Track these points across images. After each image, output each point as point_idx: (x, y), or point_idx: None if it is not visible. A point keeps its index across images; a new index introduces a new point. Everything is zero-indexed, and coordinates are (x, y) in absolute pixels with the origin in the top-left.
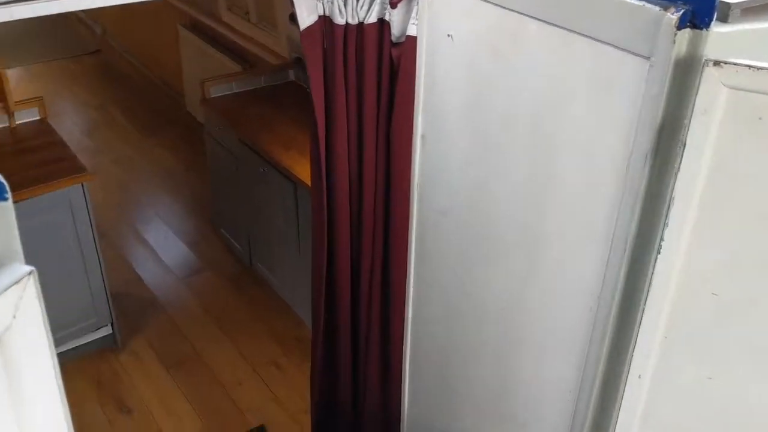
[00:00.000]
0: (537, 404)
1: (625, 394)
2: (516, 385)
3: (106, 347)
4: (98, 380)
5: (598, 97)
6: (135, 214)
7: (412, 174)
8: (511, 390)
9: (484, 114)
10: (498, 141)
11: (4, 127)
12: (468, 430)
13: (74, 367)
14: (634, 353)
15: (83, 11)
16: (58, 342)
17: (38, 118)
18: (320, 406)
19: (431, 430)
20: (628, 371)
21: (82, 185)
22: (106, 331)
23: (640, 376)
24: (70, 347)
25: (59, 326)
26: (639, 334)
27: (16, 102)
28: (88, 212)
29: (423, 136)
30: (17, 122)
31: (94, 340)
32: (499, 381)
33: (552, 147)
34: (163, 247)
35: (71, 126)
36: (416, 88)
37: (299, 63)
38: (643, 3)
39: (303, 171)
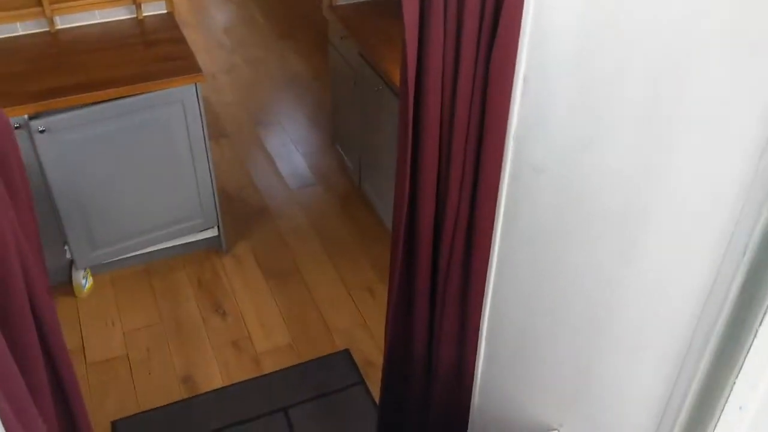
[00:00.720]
0: (615, 412)
1: (719, 424)
2: (594, 382)
3: (212, 248)
4: (199, 279)
5: (736, 58)
6: (259, 117)
7: (509, 121)
8: (589, 386)
9: (598, 59)
10: (610, 93)
11: (131, 18)
12: (545, 415)
13: (179, 263)
14: (738, 380)
15: None
16: (167, 236)
17: (165, 11)
18: (392, 357)
19: (505, 396)
20: (728, 400)
21: (195, 86)
22: (213, 233)
23: (741, 408)
24: (179, 243)
25: (169, 222)
26: (747, 359)
27: None
28: (200, 113)
29: (526, 78)
30: (144, 14)
31: (201, 240)
32: (576, 372)
33: (672, 110)
34: (280, 154)
35: (212, 21)
36: (523, 19)
37: None
38: None
39: None
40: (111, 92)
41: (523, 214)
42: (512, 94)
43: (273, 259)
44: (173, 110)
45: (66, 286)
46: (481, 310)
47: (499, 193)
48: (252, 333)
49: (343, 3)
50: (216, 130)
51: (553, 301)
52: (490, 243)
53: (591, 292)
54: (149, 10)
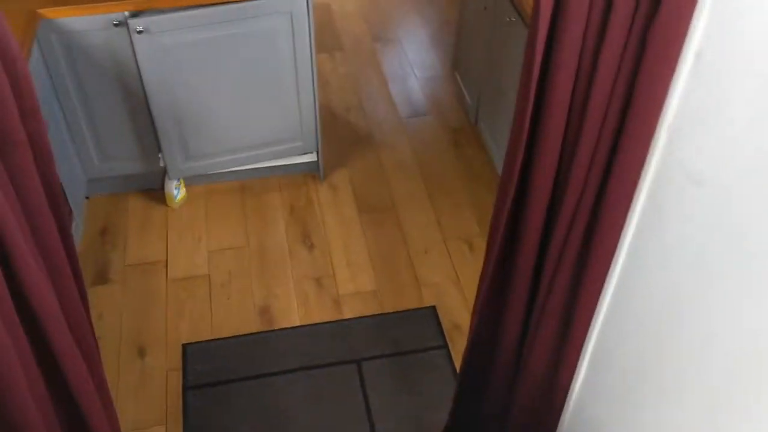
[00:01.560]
0: None
1: None
2: None
3: (309, 173)
4: (292, 205)
5: None
6: (379, 32)
7: (664, 107)
8: None
9: None
10: None
11: None
12: None
13: (275, 184)
14: None
15: None
16: (263, 157)
17: None
18: (476, 346)
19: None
20: None
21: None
22: (311, 158)
23: None
24: (276, 164)
25: (266, 141)
26: None
27: None
28: (309, 27)
29: (698, 54)
30: None
31: (299, 163)
32: None
33: None
34: (395, 76)
35: None
36: None
37: None
38: None
39: None
40: None
41: (664, 233)
42: (675, 72)
43: (370, 192)
44: (280, 20)
45: (159, 194)
46: (587, 331)
47: (634, 199)
48: (336, 272)
49: None
50: (332, 42)
51: (688, 346)
52: (612, 258)
53: (735, 362)
54: None
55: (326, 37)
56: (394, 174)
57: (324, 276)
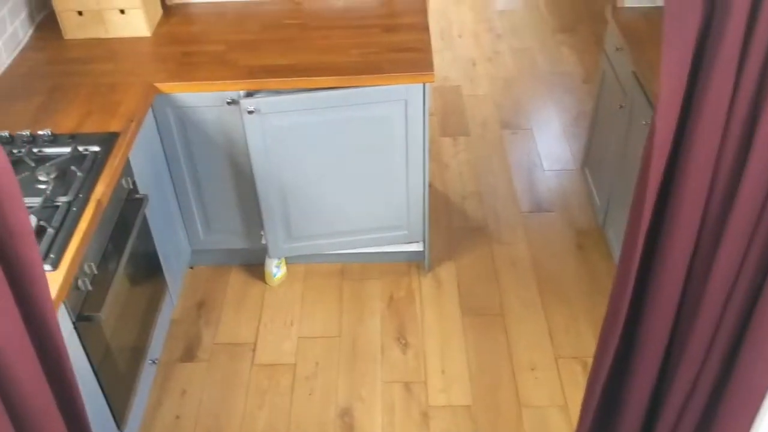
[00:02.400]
0: None
1: None
2: None
3: (414, 262)
4: (391, 295)
5: None
6: (509, 118)
7: None
8: None
9: None
10: None
11: None
12: None
13: (376, 271)
14: None
15: None
16: (366, 242)
17: None
18: None
19: None
20: None
21: (423, 86)
22: (418, 247)
23: None
24: (380, 250)
25: (371, 227)
26: None
27: None
28: (424, 115)
29: None
30: None
31: (404, 252)
32: None
33: None
34: (520, 165)
35: (488, 1)
36: None
37: None
38: None
39: None
40: (331, 80)
41: None
42: None
43: (477, 291)
44: (394, 108)
45: (260, 270)
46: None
47: None
48: (429, 378)
49: (632, 5)
50: (457, 125)
51: None
52: (762, 398)
53: None
54: None
55: (452, 120)
56: (506, 273)
57: (415, 381)
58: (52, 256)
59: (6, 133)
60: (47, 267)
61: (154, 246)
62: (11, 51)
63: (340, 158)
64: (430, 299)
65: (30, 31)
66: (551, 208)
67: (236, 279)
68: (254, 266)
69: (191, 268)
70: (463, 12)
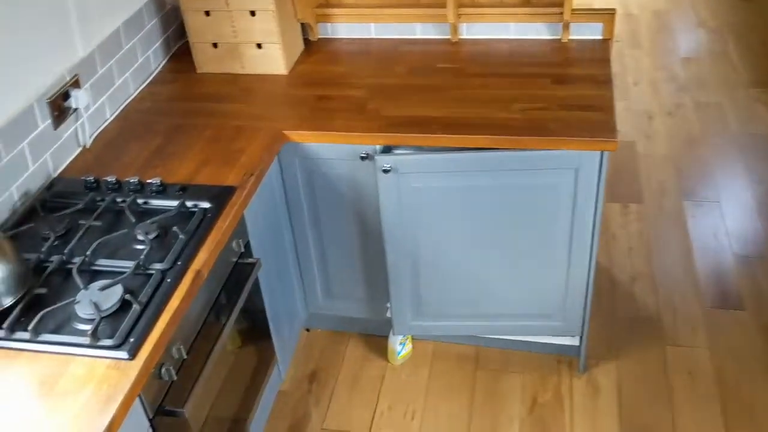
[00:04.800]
0: None
1: None
2: None
3: (564, 357)
4: (534, 398)
5: None
6: (691, 185)
7: None
8: None
9: None
10: None
11: (552, 40)
12: None
13: (518, 363)
14: None
15: None
16: (512, 330)
17: (599, 38)
18: None
19: None
20: None
21: (601, 154)
22: (572, 341)
23: None
24: (530, 339)
25: (517, 313)
26: None
27: (574, 10)
28: (597, 190)
29: None
30: (571, 37)
31: (554, 344)
32: None
33: None
34: (703, 246)
35: (671, 46)
36: None
37: None
38: None
39: None
40: (485, 140)
41: None
42: None
43: (642, 405)
44: (561, 177)
45: (382, 343)
46: None
47: None
48: None
49: None
50: (629, 189)
51: None
52: None
53: None
54: (579, 33)
55: (623, 182)
56: (681, 386)
57: None
58: (131, 340)
59: (113, 179)
60: (123, 355)
61: (263, 311)
62: (140, 83)
63: (488, 230)
64: (582, 409)
65: (163, 62)
66: (742, 305)
67: (354, 350)
68: (376, 338)
69: (307, 330)
70: (640, 57)
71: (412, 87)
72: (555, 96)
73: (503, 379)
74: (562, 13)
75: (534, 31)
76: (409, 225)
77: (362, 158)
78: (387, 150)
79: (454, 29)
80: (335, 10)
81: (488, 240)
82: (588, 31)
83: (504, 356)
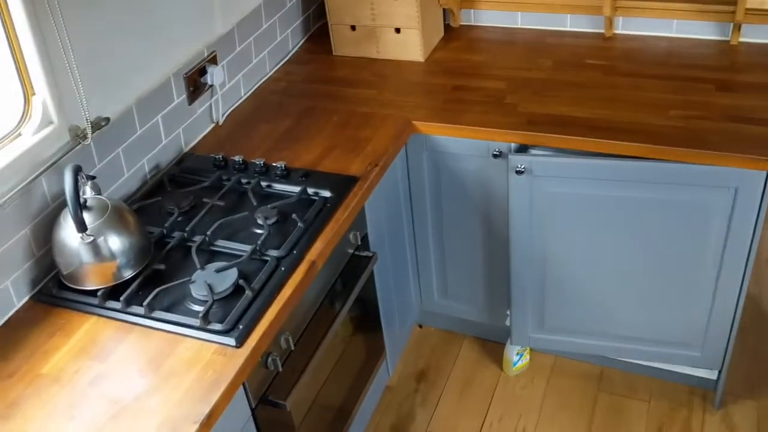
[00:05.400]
0: None
1: None
2: None
3: (698, 389)
4: (661, 429)
5: None
6: None
7: None
8: None
9: None
10: None
11: (718, 41)
12: None
13: (644, 389)
14: None
15: None
16: (641, 355)
17: None
18: None
19: None
20: None
21: (767, 175)
22: (709, 374)
23: None
24: (661, 366)
25: (649, 337)
26: None
27: (748, 10)
28: (758, 213)
29: None
30: (741, 39)
31: (689, 374)
32: None
33: None
34: None
35: None
36: None
37: None
38: None
39: None
40: (635, 148)
41: None
42: None
43: None
44: (717, 196)
45: (497, 349)
46: None
47: None
48: None
49: None
50: None
51: None
52: None
53: None
54: (753, 36)
55: None
56: None
57: None
58: (240, 327)
59: (240, 159)
60: (230, 341)
61: (376, 304)
62: (276, 62)
63: (627, 246)
64: None
65: (301, 42)
66: None
67: (468, 354)
68: (491, 343)
69: (420, 326)
70: None
71: (557, 83)
72: (718, 104)
73: (627, 405)
74: (734, 12)
75: (699, 29)
76: (539, 232)
77: (495, 156)
78: (522, 149)
79: (609, 23)
80: None
81: (626, 256)
82: (763, 35)
83: (629, 380)
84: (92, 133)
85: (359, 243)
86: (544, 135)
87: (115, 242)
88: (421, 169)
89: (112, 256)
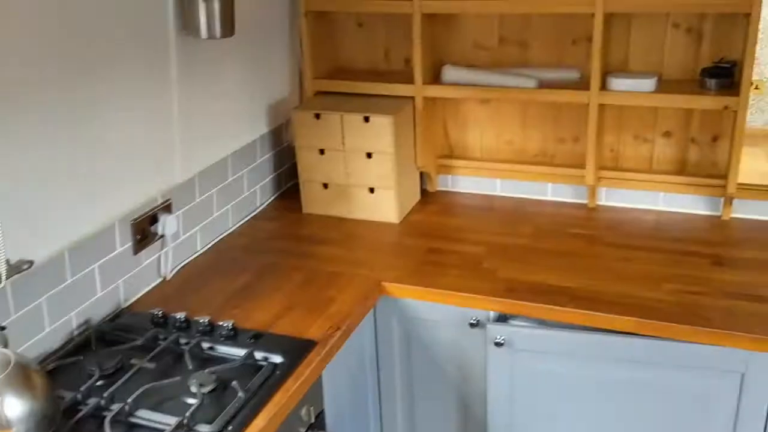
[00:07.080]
0: None
1: None
2: None
3: None
4: None
5: None
6: None
7: None
8: None
9: None
10: None
11: (711, 216)
12: None
13: None
14: None
15: None
16: None
17: (765, 218)
18: None
19: None
20: None
21: None
22: None
23: None
24: None
25: None
26: None
27: (740, 185)
28: None
29: None
30: (733, 215)
31: None
32: None
33: None
34: None
35: None
36: None
37: None
38: None
39: None
40: (626, 322)
41: None
42: None
43: None
44: (721, 381)
45: None
46: None
47: None
48: None
49: None
50: None
51: None
52: None
53: None
54: (746, 212)
55: None
56: None
57: None
58: None
59: (182, 316)
60: None
61: None
62: (241, 217)
63: (609, 427)
64: None
65: (270, 199)
66: None
67: None
68: None
69: None
70: None
71: (538, 250)
72: (715, 280)
73: None
74: (724, 186)
75: (688, 203)
76: (520, 412)
77: (471, 325)
78: (502, 319)
79: (593, 193)
80: (459, 162)
81: None
82: (757, 210)
83: None
84: (8, 276)
85: (313, 420)
86: (526, 303)
87: (13, 406)
88: (391, 338)
89: (7, 423)
